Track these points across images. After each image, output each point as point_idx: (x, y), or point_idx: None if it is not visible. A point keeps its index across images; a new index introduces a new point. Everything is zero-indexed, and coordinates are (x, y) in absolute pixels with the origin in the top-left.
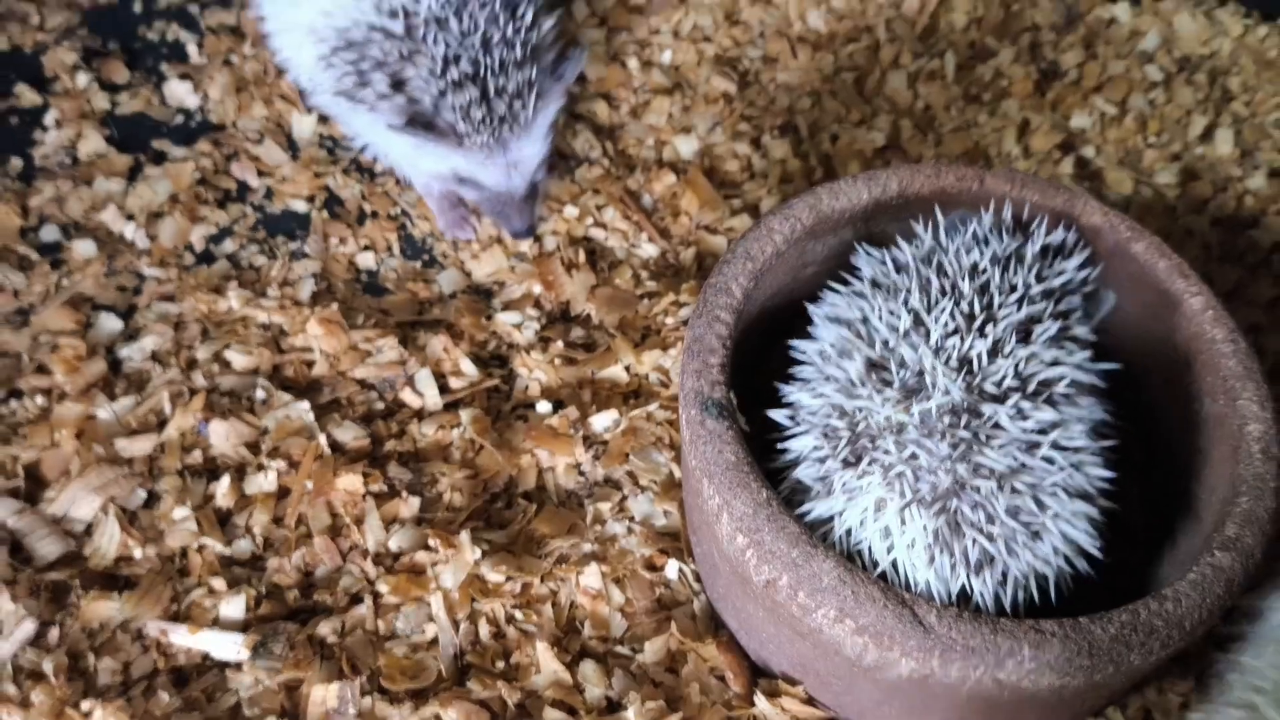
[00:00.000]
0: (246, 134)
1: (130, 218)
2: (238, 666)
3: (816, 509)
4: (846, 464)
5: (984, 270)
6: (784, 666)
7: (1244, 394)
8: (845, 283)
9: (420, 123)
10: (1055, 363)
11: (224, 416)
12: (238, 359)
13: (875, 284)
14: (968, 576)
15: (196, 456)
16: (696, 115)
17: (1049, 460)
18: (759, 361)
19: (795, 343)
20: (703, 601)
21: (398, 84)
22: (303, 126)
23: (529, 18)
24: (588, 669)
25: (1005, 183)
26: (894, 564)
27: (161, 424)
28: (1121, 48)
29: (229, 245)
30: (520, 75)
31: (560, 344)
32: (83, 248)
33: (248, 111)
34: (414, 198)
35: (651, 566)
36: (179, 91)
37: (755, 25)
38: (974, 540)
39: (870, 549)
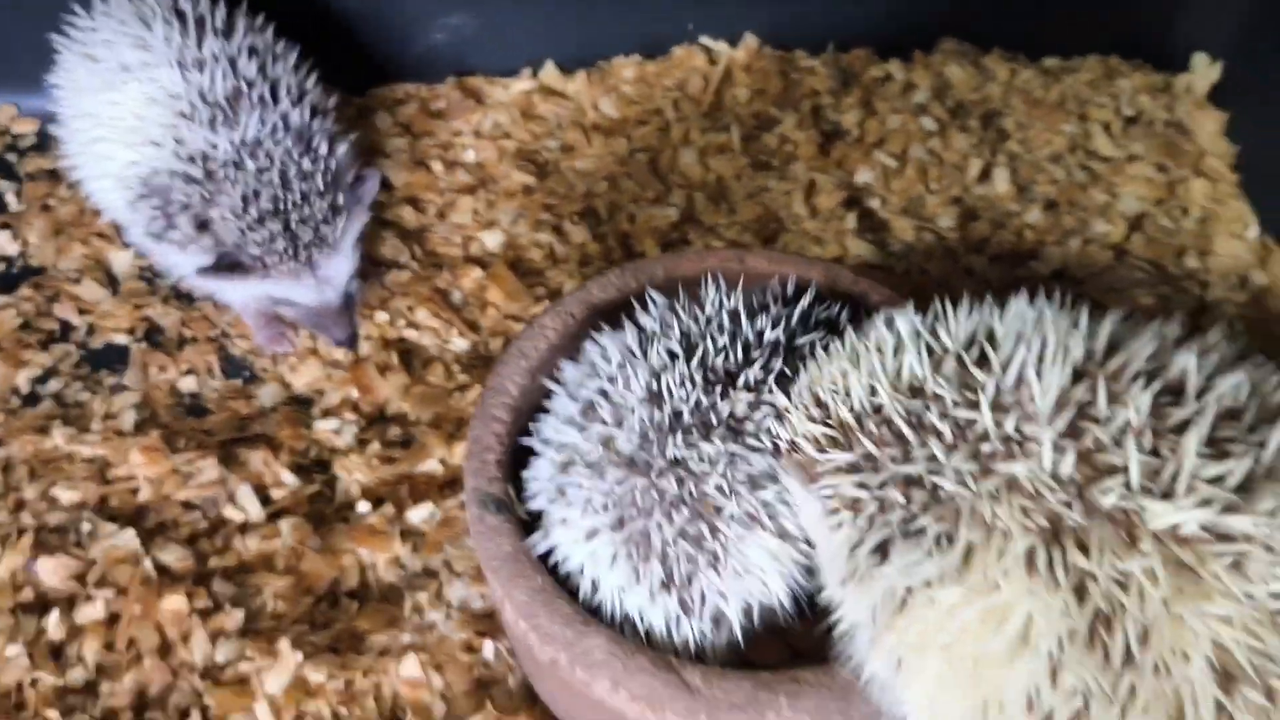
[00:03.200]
0: (67, 275)
1: None
2: None
3: (540, 545)
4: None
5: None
6: None
7: None
8: None
9: (226, 264)
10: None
11: (52, 553)
12: (64, 495)
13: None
14: (683, 615)
15: (27, 594)
16: (500, 210)
17: (721, 490)
18: None
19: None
20: (519, 676)
21: (202, 225)
22: (121, 261)
23: (324, 147)
24: None
25: (765, 260)
26: (621, 603)
27: None
28: (897, 102)
29: (54, 385)
30: (323, 202)
31: (378, 444)
32: None
33: (67, 253)
34: (232, 318)
35: (470, 649)
36: None
37: (551, 118)
38: (661, 559)
39: (597, 586)
